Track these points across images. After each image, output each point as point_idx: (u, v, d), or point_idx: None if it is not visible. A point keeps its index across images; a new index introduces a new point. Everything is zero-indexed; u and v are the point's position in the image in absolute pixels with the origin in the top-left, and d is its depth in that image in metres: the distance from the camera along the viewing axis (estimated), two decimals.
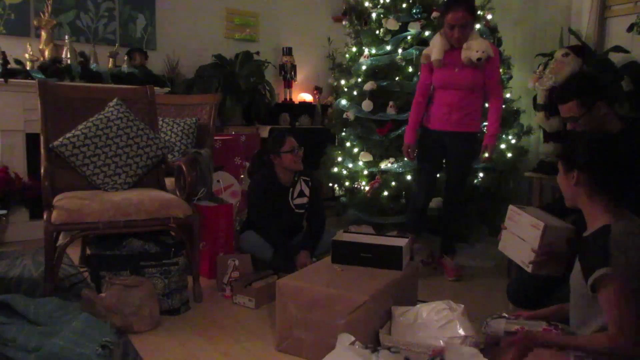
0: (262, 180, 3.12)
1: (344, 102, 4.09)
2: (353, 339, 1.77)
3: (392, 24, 3.79)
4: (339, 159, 4.11)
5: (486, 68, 2.96)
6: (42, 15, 3.92)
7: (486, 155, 3.03)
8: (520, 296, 2.31)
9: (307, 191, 3.20)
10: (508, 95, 3.97)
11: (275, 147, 3.07)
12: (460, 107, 2.98)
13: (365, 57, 3.95)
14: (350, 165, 4.00)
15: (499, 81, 3.11)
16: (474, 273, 3.22)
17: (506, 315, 1.77)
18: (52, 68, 3.78)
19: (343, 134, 4.16)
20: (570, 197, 1.65)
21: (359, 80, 3.97)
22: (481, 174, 3.72)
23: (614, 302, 1.42)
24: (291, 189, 3.16)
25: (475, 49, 2.88)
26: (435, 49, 2.96)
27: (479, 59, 2.87)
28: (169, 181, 3.01)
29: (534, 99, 3.88)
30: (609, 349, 1.44)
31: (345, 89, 4.13)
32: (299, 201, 3.18)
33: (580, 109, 2.16)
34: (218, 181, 3.67)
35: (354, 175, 3.99)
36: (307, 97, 5.70)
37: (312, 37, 5.62)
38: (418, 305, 2.04)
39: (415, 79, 3.62)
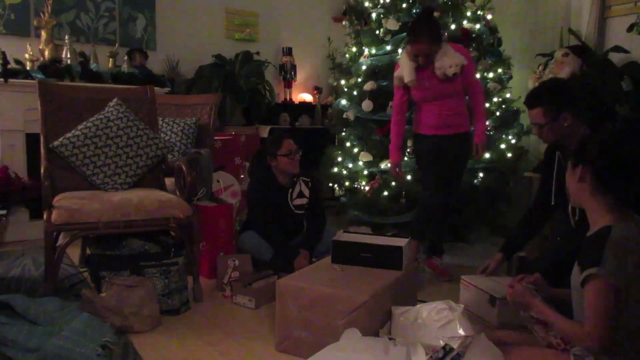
0: (260, 181, 3.12)
1: (344, 102, 4.08)
2: (360, 334, 1.77)
3: (392, 24, 3.79)
4: (339, 159, 4.11)
5: (462, 73, 2.91)
6: (42, 15, 3.92)
7: (478, 153, 3.01)
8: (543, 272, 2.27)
9: (306, 192, 3.19)
10: (508, 95, 3.97)
11: (273, 149, 3.05)
12: (448, 112, 2.94)
13: (365, 57, 3.95)
14: (350, 165, 4.00)
15: (477, 79, 3.09)
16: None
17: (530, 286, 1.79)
18: (52, 68, 3.78)
19: (343, 134, 4.16)
20: (574, 194, 1.65)
21: (359, 80, 3.97)
22: (481, 174, 3.72)
23: (593, 300, 1.44)
24: (290, 190, 3.15)
25: (448, 64, 2.81)
26: (406, 70, 2.88)
27: (454, 74, 2.83)
28: (169, 181, 3.01)
29: None
30: (579, 341, 1.48)
31: (345, 89, 4.13)
32: (298, 202, 3.17)
33: (545, 117, 2.19)
34: (218, 181, 3.67)
35: (354, 175, 3.98)
36: (307, 97, 5.70)
37: (312, 37, 5.63)
38: (418, 305, 2.04)
39: None
